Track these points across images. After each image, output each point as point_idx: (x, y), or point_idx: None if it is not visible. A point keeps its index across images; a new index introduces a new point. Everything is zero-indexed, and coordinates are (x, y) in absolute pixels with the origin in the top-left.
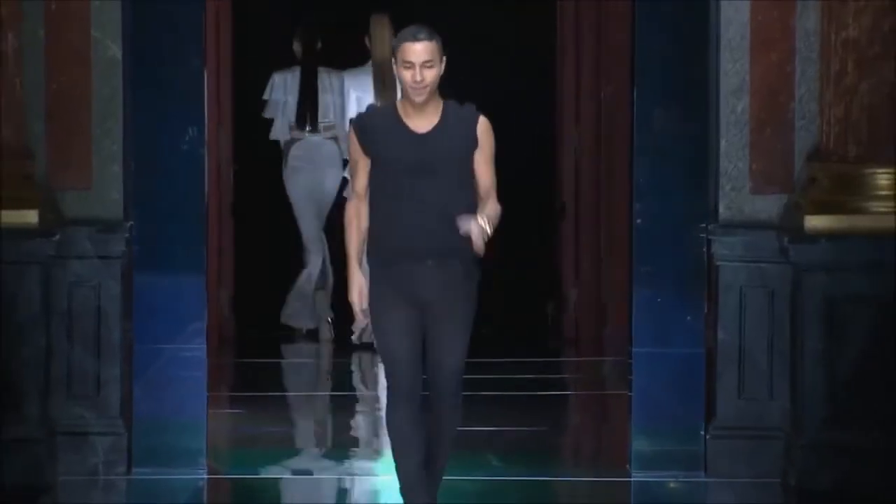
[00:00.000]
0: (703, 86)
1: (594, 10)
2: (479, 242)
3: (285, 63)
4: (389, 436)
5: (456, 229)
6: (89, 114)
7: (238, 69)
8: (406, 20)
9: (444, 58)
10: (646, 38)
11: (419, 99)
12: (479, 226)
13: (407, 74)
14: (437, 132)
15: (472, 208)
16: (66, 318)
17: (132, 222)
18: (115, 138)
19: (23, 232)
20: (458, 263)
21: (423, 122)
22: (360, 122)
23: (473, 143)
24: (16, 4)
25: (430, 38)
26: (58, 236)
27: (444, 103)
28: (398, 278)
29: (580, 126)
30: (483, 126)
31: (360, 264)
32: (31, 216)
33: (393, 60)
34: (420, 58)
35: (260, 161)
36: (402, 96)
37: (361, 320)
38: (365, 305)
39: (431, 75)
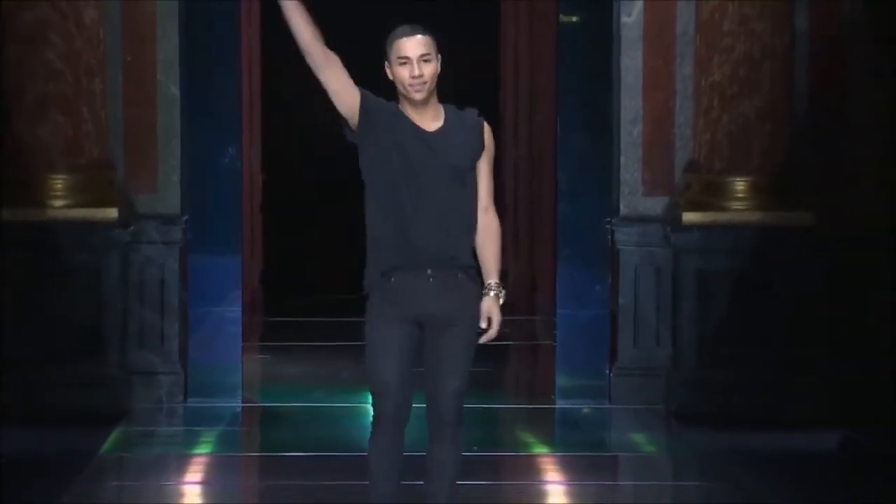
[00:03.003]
0: (608, 116)
1: (528, 57)
2: (494, 333)
3: (306, 98)
4: (369, 461)
5: (457, 237)
6: (155, 137)
7: (266, 103)
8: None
9: (440, 57)
10: (567, 80)
11: (419, 96)
12: (493, 303)
13: (404, 71)
14: (445, 134)
15: (470, 217)
16: (139, 288)
17: (187, 217)
18: (174, 155)
19: (106, 224)
20: (460, 275)
21: (427, 122)
22: (368, 92)
23: (480, 150)
24: (102, 57)
25: (424, 33)
26: (132, 227)
27: (444, 107)
28: (396, 290)
29: (518, 145)
30: (488, 132)
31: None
32: (112, 213)
33: (386, 64)
34: (416, 51)
35: (281, 172)
36: (400, 100)
37: None
38: None
39: (430, 70)
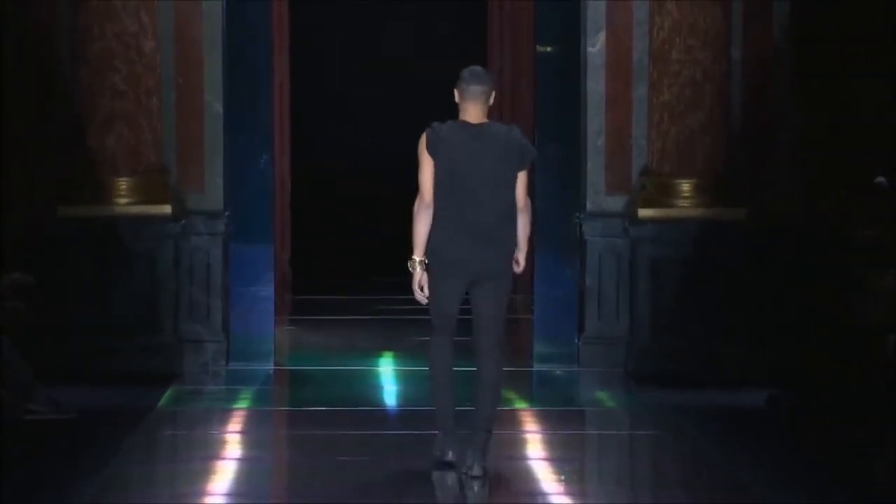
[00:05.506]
0: (577, 130)
1: (511, 80)
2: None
3: (332, 114)
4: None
5: None
6: (202, 146)
7: (295, 117)
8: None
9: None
10: (543, 99)
11: None
12: None
13: None
14: None
15: None
16: (189, 271)
17: (228, 212)
18: (218, 162)
19: (162, 219)
20: None
21: None
22: None
23: None
24: (158, 80)
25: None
26: (183, 221)
27: None
28: None
29: None
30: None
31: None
32: (167, 209)
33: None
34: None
35: (307, 177)
36: None
37: None
38: None
39: None
